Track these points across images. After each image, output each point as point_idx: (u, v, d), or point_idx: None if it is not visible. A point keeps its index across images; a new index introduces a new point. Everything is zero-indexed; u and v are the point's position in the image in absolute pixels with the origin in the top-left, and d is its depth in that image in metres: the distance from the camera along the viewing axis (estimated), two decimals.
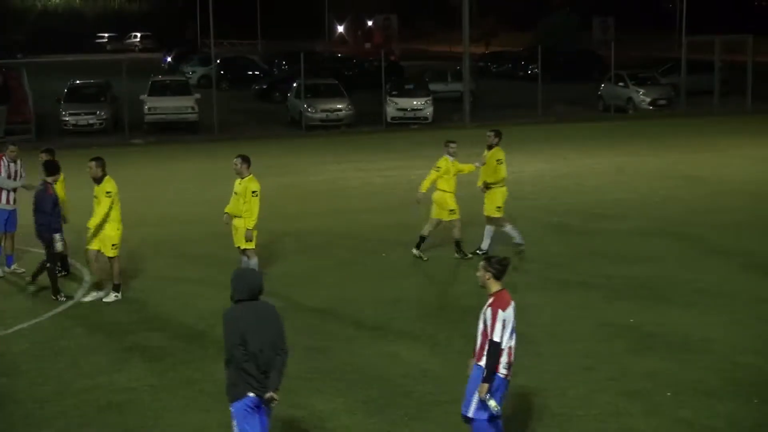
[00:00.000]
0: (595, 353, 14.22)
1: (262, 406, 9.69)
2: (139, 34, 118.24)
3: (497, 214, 19.66)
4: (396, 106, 44.14)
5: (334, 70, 58.89)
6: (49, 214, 17.02)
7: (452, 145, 19.48)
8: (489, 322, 10.16)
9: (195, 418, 12.33)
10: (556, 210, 24.44)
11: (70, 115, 41.87)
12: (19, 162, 19.38)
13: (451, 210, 19.42)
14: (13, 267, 19.18)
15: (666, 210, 24.31)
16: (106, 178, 16.96)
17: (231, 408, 9.70)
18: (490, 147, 19.69)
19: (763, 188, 27.02)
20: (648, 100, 47.34)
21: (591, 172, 30.36)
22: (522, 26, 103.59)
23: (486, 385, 10.07)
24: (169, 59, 78.99)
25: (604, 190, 27.23)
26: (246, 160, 17.21)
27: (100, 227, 16.88)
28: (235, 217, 17.36)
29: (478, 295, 16.18)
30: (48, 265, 17.37)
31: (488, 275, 10.31)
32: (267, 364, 9.72)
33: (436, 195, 19.47)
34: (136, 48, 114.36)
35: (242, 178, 17.17)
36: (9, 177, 19.04)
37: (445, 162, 19.33)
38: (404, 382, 13.13)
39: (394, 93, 45.00)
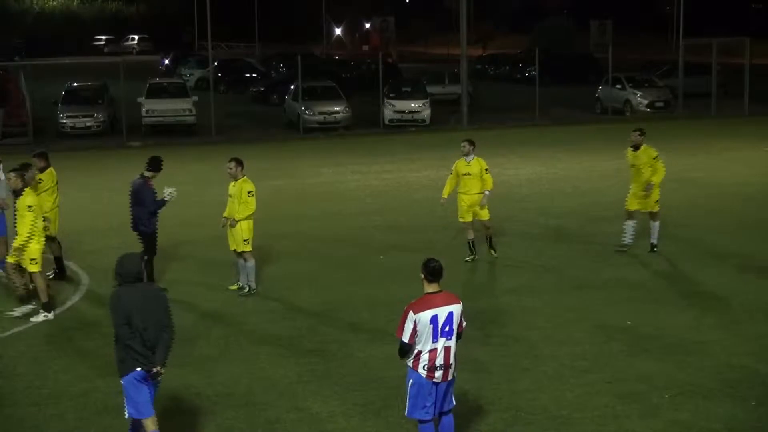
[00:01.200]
0: (592, 355, 14.24)
1: (148, 378, 10.64)
2: (136, 37, 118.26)
3: (657, 208, 19.90)
4: (393, 108, 44.14)
5: (332, 72, 58.87)
6: (149, 208, 17.61)
7: (462, 143, 19.45)
8: (399, 320, 10.45)
9: (192, 420, 12.35)
10: (553, 212, 24.45)
11: (68, 117, 41.86)
12: None
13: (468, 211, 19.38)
14: (1, 273, 18.53)
15: (662, 212, 24.28)
16: (27, 190, 16.39)
17: (122, 381, 10.64)
18: (636, 147, 19.85)
19: (759, 191, 27.05)
20: (645, 102, 47.37)
21: (588, 174, 30.37)
22: (519, 29, 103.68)
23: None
24: (166, 62, 78.98)
25: (601, 193, 27.22)
26: (240, 162, 17.32)
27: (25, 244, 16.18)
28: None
29: (474, 297, 16.23)
30: (145, 257, 17.58)
31: (421, 276, 10.47)
32: (153, 340, 10.60)
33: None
34: (134, 50, 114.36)
35: (236, 181, 17.30)
36: None
37: (457, 164, 19.35)
38: (401, 384, 13.07)
39: (391, 95, 45.01)
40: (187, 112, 42.83)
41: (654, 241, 19.94)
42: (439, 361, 10.41)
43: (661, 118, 45.30)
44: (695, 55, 52.18)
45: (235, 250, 17.61)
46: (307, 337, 15.36)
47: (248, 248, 17.41)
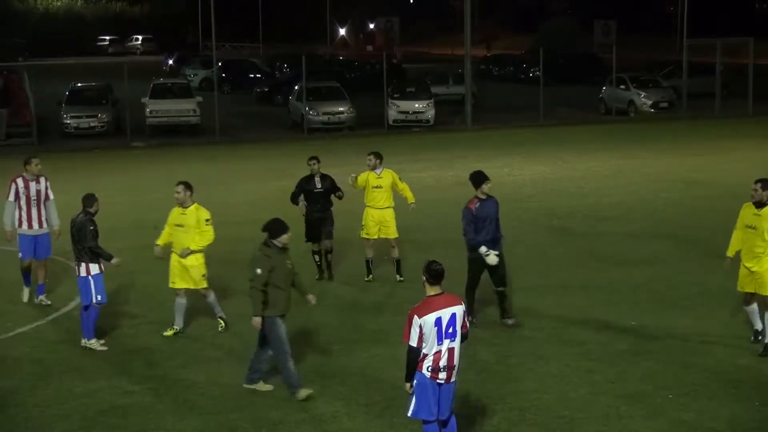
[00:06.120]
0: (597, 356, 14.24)
1: None
2: (140, 37, 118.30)
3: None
4: (397, 108, 44.13)
5: (336, 72, 58.89)
6: (469, 230, 15.54)
7: (368, 156, 18.51)
8: (405, 326, 10.48)
9: (196, 421, 12.36)
10: (557, 212, 24.45)
11: (72, 118, 41.88)
12: (44, 180, 17.39)
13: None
14: (40, 298, 17.39)
15: (667, 212, 24.32)
16: None
17: None
18: (760, 204, 14.24)
19: None
20: (649, 102, 47.31)
21: (592, 174, 30.36)
22: (523, 29, 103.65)
23: (407, 384, 10.61)
24: (170, 62, 79.06)
25: (605, 193, 27.23)
26: (189, 186, 15.61)
27: None
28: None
29: (479, 298, 16.20)
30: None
31: (423, 279, 10.52)
32: None
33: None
34: (138, 51, 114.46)
35: (185, 208, 15.51)
36: (32, 199, 17.10)
37: (368, 176, 18.46)
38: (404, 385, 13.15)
39: (395, 96, 45.02)
40: (191, 113, 42.86)
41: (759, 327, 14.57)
42: (443, 362, 10.43)
43: (665, 119, 45.30)
44: (699, 55, 52.13)
45: (179, 290, 15.70)
46: (310, 338, 15.36)
47: (206, 283, 15.78)
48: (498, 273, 15.66)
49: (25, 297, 17.51)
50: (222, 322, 15.84)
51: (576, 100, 50.74)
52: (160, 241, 15.77)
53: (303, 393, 12.83)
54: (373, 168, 18.42)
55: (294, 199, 18.68)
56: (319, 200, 18.42)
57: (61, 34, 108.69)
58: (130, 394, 13.21)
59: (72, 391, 13.35)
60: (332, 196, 18.57)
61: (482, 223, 15.51)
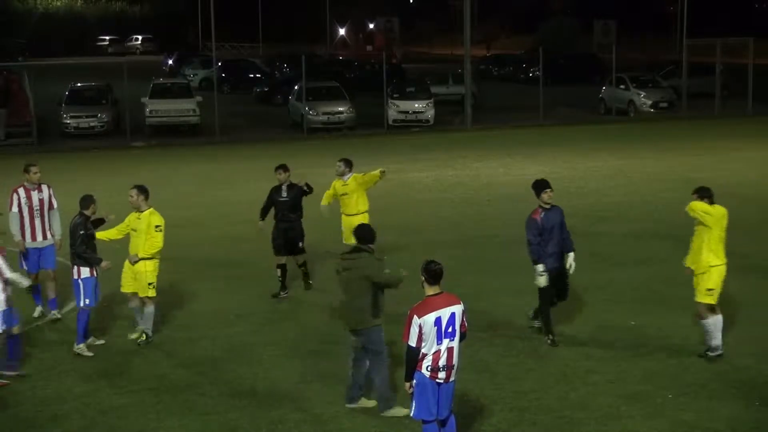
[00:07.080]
0: (596, 356, 14.24)
1: None
2: (140, 37, 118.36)
3: (703, 298, 14.01)
4: (397, 108, 44.15)
5: (336, 72, 58.91)
6: (534, 242, 14.71)
7: (338, 163, 18.38)
8: (404, 326, 10.50)
9: (196, 420, 12.36)
10: None
11: (71, 117, 41.90)
12: (46, 188, 16.65)
13: None
14: (53, 312, 16.60)
15: (666, 212, 24.30)
16: None
17: None
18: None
19: (763, 191, 27.00)
20: (649, 102, 47.32)
21: (592, 174, 30.35)
22: (523, 29, 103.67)
23: (407, 383, 10.64)
24: (170, 62, 79.08)
25: (605, 193, 27.23)
26: (143, 191, 15.29)
27: None
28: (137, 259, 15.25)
29: (479, 298, 16.22)
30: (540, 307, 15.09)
31: (421, 279, 10.58)
32: None
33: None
34: (138, 51, 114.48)
35: (141, 213, 15.20)
36: (35, 209, 16.37)
37: (334, 183, 18.44)
38: (404, 384, 13.12)
39: (395, 96, 45.03)
40: (191, 113, 42.87)
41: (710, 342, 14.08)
42: (443, 362, 10.45)
43: (664, 119, 45.30)
44: (699, 55, 52.14)
45: (130, 293, 15.44)
46: (310, 338, 15.36)
47: (152, 293, 15.25)
48: (557, 285, 14.93)
49: (36, 313, 16.68)
50: (144, 336, 15.27)
51: (576, 100, 50.73)
52: (100, 234, 15.36)
53: (397, 411, 12.42)
54: (341, 175, 18.23)
55: (262, 212, 18.12)
56: (285, 210, 17.85)
57: (61, 34, 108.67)
58: (130, 394, 13.21)
59: (72, 391, 13.35)
60: (303, 198, 17.96)
61: (548, 234, 14.68)
